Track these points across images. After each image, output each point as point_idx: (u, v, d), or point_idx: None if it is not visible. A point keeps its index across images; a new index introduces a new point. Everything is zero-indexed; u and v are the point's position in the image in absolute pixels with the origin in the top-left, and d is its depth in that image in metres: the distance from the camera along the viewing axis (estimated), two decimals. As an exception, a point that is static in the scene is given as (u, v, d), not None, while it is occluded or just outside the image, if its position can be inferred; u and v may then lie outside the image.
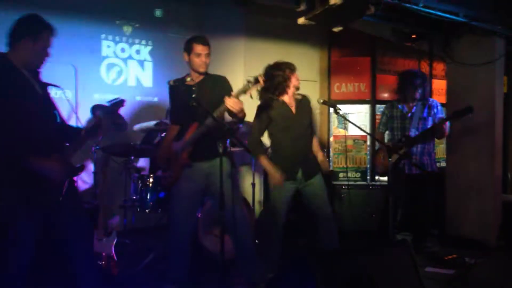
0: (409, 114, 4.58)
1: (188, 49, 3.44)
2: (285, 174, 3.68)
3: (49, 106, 2.83)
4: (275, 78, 3.70)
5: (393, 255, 2.80)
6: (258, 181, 5.60)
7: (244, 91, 3.14)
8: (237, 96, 3.17)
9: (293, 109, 3.79)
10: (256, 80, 3.10)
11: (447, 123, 4.38)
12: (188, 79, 3.49)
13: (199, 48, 3.40)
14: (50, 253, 3.18)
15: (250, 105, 3.56)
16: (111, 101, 3.12)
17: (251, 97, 3.22)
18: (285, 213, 3.82)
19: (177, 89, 3.46)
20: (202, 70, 3.45)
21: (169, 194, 3.66)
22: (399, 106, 4.67)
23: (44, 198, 2.60)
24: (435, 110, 4.58)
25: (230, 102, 3.14)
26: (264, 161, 3.71)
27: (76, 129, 2.99)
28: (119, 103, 3.08)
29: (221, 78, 3.58)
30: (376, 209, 5.36)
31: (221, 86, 3.49)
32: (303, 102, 3.87)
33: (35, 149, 2.58)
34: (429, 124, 4.52)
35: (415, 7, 4.02)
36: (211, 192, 3.53)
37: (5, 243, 2.55)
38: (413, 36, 5.23)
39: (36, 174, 2.55)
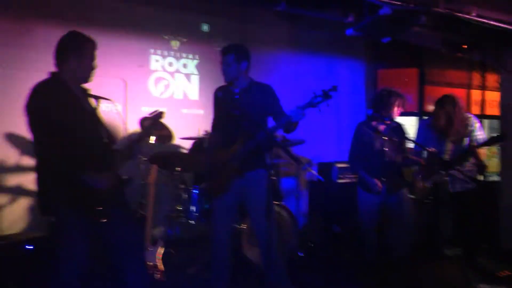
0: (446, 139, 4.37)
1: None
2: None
3: (98, 122, 2.90)
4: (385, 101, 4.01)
5: (444, 270, 2.70)
6: (302, 193, 5.55)
7: (312, 104, 3.10)
8: (303, 109, 3.13)
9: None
10: (327, 95, 3.05)
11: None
12: (233, 85, 3.49)
13: (221, 58, 3.47)
14: (102, 263, 3.24)
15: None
16: (151, 113, 3.19)
17: (319, 110, 3.13)
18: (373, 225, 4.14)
19: (222, 94, 3.47)
20: (225, 78, 3.48)
21: (213, 205, 3.65)
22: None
23: (95, 211, 2.64)
24: (471, 128, 4.27)
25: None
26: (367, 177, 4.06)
27: (123, 144, 3.04)
28: (159, 115, 3.14)
29: (267, 87, 3.55)
30: (424, 222, 5.19)
31: (266, 96, 3.47)
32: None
33: (85, 165, 2.64)
34: (466, 142, 4.25)
35: (467, 16, 3.90)
36: (249, 206, 3.50)
37: (60, 255, 2.63)
38: (464, 46, 5.07)
39: (87, 188, 2.61)
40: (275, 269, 3.39)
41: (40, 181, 2.71)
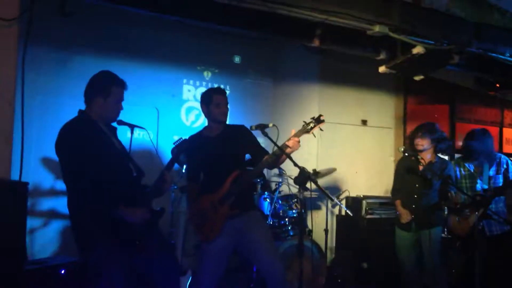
0: (477, 174, 4.36)
1: (207, 100, 3.40)
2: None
3: (126, 157, 2.98)
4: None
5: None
6: (330, 227, 5.50)
7: (306, 130, 3.12)
8: (298, 136, 3.13)
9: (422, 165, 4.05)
10: (319, 120, 3.09)
11: None
12: (206, 131, 3.48)
13: (218, 98, 3.38)
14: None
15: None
16: (176, 142, 3.28)
17: (314, 135, 3.17)
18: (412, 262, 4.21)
19: (196, 144, 3.40)
20: (223, 119, 3.42)
21: (201, 250, 3.40)
22: (467, 164, 4.44)
23: (131, 245, 2.70)
24: (505, 166, 4.34)
25: (290, 143, 3.09)
26: (399, 206, 4.21)
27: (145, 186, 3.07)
28: (183, 143, 3.23)
29: (242, 127, 3.53)
30: (454, 263, 5.07)
31: (244, 134, 3.45)
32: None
33: (119, 200, 2.70)
34: (499, 181, 4.29)
35: (501, 57, 3.90)
36: (244, 251, 3.39)
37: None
38: (497, 85, 5.04)
39: (123, 222, 2.68)
40: None
41: (74, 216, 2.78)
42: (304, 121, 3.15)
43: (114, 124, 3.05)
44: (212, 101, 3.38)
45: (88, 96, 2.90)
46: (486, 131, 4.43)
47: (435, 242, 4.07)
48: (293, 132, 3.15)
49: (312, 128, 3.11)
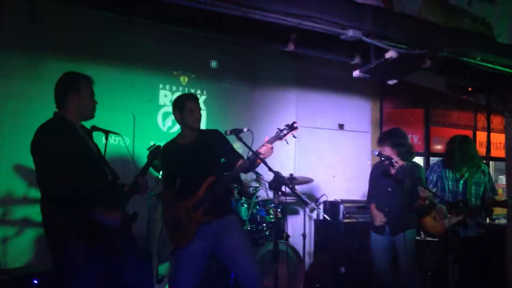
0: (461, 179, 4.43)
1: (180, 107, 3.39)
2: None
3: (101, 160, 2.98)
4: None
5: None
6: (308, 231, 5.51)
7: (280, 137, 3.12)
8: (271, 143, 3.13)
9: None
10: (292, 127, 3.11)
11: None
12: (180, 138, 3.47)
13: (191, 105, 3.38)
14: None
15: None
16: (150, 148, 3.30)
17: (287, 142, 3.17)
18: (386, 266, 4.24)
19: (171, 151, 3.41)
20: (196, 126, 3.42)
21: (175, 256, 3.37)
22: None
23: (105, 247, 2.67)
24: (487, 177, 4.44)
25: (263, 150, 3.10)
26: (373, 209, 4.28)
27: (122, 186, 3.06)
28: (156, 149, 3.26)
29: (216, 132, 3.53)
30: (428, 265, 5.13)
31: (218, 139, 3.45)
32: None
33: (92, 201, 2.68)
34: (481, 189, 4.39)
35: (472, 61, 3.97)
36: (220, 256, 3.36)
37: None
38: (469, 89, 5.14)
39: (97, 225, 2.65)
40: None
41: (47, 219, 2.73)
42: (278, 128, 3.16)
43: (88, 127, 3.04)
44: (185, 108, 3.37)
45: (61, 97, 2.89)
46: (467, 137, 4.54)
47: (409, 245, 4.11)
48: (266, 139, 3.15)
49: (285, 135, 3.12)
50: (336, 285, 5.06)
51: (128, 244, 2.83)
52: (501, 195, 5.37)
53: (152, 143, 5.21)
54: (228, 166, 3.36)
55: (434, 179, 4.56)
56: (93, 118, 3.03)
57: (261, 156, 3.10)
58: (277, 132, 3.15)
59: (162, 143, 4.70)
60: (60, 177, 2.61)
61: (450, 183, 4.46)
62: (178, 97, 3.52)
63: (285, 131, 3.12)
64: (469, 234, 4.31)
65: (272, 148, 3.12)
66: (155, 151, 3.26)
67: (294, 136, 3.14)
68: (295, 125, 3.12)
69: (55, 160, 2.64)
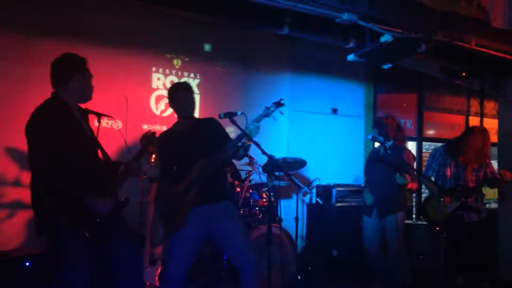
0: (463, 165, 4.43)
1: (173, 97, 3.41)
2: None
3: (95, 144, 2.94)
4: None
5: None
6: (301, 215, 5.54)
7: (267, 114, 3.18)
8: (259, 121, 3.17)
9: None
10: (279, 103, 3.16)
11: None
12: (176, 127, 3.47)
13: (184, 94, 3.38)
14: (103, 280, 3.22)
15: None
16: (145, 134, 3.31)
17: (275, 119, 3.21)
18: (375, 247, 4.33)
19: (166, 140, 3.41)
20: (190, 114, 3.42)
21: (169, 240, 3.34)
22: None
23: (96, 231, 2.66)
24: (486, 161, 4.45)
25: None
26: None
27: (117, 164, 3.07)
28: (152, 135, 3.27)
29: (211, 119, 3.52)
30: (423, 249, 5.19)
31: (212, 127, 3.44)
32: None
33: (87, 186, 2.67)
34: (481, 173, 4.39)
35: (466, 45, 3.96)
36: (215, 241, 3.36)
37: (65, 273, 2.64)
38: (463, 74, 5.13)
39: (89, 209, 2.64)
40: None
41: (37, 202, 2.72)
42: (265, 106, 3.20)
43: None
44: (178, 97, 3.38)
45: (65, 76, 2.83)
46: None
47: (398, 227, 4.16)
48: None
49: (272, 111, 3.17)
50: (328, 268, 5.11)
51: (118, 228, 2.82)
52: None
53: (145, 126, 5.27)
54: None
55: (435, 166, 4.54)
56: (90, 100, 2.99)
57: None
58: (264, 109, 3.19)
59: (155, 127, 4.69)
60: (54, 160, 2.58)
61: (452, 169, 4.46)
62: (171, 87, 3.51)
63: (272, 108, 3.17)
64: (472, 219, 4.32)
65: (258, 127, 3.15)
66: (150, 137, 3.24)
67: (281, 112, 3.19)
68: (281, 101, 3.17)
69: (50, 142, 2.61)
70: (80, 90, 2.86)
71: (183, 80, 5.60)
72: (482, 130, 4.47)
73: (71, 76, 2.82)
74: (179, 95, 3.37)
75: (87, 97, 2.94)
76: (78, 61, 2.89)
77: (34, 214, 2.73)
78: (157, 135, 3.38)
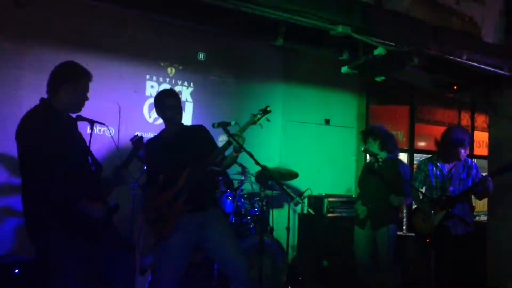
0: (449, 175, 4.43)
1: (159, 104, 3.42)
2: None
3: (87, 152, 2.94)
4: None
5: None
6: (292, 225, 5.53)
7: (253, 121, 3.18)
8: (245, 128, 3.17)
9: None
10: (266, 110, 3.17)
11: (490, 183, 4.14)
12: (163, 133, 3.49)
13: (170, 101, 3.39)
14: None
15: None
16: (132, 138, 3.26)
17: (261, 126, 3.22)
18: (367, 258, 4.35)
19: (154, 146, 3.42)
20: (177, 120, 3.42)
21: (157, 248, 3.31)
22: (439, 164, 4.49)
23: (87, 238, 2.66)
24: (474, 171, 4.41)
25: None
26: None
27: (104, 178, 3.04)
28: (139, 140, 3.23)
29: (198, 126, 3.54)
30: (413, 261, 5.20)
31: (200, 134, 3.45)
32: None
33: (78, 193, 2.66)
34: (469, 184, 4.36)
35: (458, 59, 4.01)
36: (205, 248, 3.36)
37: (60, 279, 2.63)
38: (454, 87, 5.19)
39: (80, 216, 2.63)
40: None
41: (29, 207, 2.70)
42: (251, 114, 3.20)
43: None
44: (164, 105, 3.38)
45: (56, 84, 2.83)
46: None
47: (390, 239, 4.19)
48: None
49: (258, 119, 3.17)
50: (318, 278, 5.11)
51: (108, 235, 2.81)
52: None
53: (136, 133, 5.24)
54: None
55: (421, 177, 4.55)
56: (80, 112, 2.99)
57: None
58: (251, 117, 3.20)
59: (147, 134, 4.68)
60: (43, 167, 2.58)
61: (437, 180, 4.48)
62: (157, 95, 3.52)
63: (258, 115, 3.17)
64: (458, 232, 4.30)
65: (243, 138, 3.15)
66: (138, 142, 3.24)
67: (267, 120, 3.20)
68: (267, 108, 3.18)
69: (40, 149, 2.59)
70: (69, 100, 2.85)
71: (177, 88, 5.61)
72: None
73: (61, 85, 2.82)
74: (166, 102, 3.37)
75: (77, 108, 2.94)
76: (71, 72, 2.87)
77: (25, 220, 2.71)
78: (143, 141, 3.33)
